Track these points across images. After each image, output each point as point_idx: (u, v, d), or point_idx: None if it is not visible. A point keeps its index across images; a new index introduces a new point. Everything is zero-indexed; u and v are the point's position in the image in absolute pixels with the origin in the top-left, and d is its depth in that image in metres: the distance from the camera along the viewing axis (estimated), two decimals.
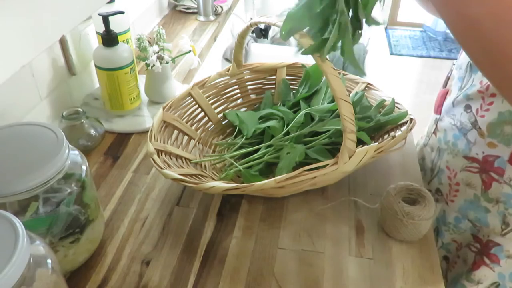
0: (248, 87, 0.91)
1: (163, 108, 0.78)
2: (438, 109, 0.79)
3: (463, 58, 0.73)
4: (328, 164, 0.62)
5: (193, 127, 0.83)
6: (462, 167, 0.72)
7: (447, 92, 0.77)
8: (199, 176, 0.73)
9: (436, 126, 0.80)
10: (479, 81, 0.67)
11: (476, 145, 0.69)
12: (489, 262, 0.71)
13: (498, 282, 0.71)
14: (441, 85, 0.81)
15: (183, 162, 0.76)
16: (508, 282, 0.70)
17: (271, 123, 0.78)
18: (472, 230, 0.74)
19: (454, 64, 0.78)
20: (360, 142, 0.66)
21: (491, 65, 0.46)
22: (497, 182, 0.67)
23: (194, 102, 0.84)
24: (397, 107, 0.77)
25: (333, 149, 0.73)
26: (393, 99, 0.78)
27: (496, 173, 0.67)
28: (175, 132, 0.80)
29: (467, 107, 0.70)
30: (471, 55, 0.48)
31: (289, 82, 0.90)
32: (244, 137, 0.81)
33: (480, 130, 0.67)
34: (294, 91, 0.88)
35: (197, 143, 0.82)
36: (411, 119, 0.72)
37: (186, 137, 0.81)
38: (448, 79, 0.79)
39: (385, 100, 0.79)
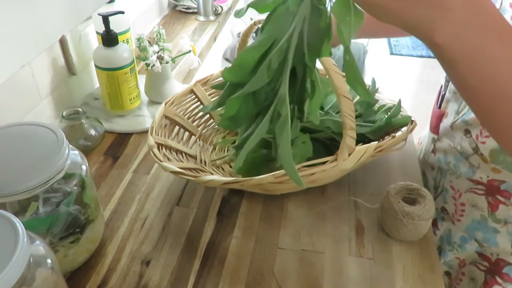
0: None
1: (165, 103, 0.78)
2: (435, 130, 0.77)
3: None
4: (327, 161, 0.62)
5: (195, 124, 0.83)
6: (467, 188, 0.70)
7: (443, 114, 0.75)
8: (199, 171, 0.73)
9: (435, 145, 0.78)
10: None
11: (480, 169, 0.67)
12: (502, 281, 0.70)
13: None
14: (435, 101, 0.79)
15: (183, 157, 0.76)
16: None
17: None
18: (477, 249, 0.73)
19: (447, 81, 0.76)
20: (360, 141, 0.66)
21: None
22: (504, 205, 0.66)
23: (196, 99, 0.84)
24: None
25: (333, 146, 0.73)
26: (399, 102, 0.77)
27: (503, 196, 0.66)
28: (176, 127, 0.80)
29: (467, 132, 0.68)
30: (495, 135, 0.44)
31: None
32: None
33: (482, 156, 0.66)
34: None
35: (198, 139, 0.82)
36: (412, 121, 0.72)
37: (187, 133, 0.81)
38: (442, 98, 0.76)
39: (392, 107, 0.78)
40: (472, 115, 0.66)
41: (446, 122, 0.74)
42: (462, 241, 0.74)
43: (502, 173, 0.65)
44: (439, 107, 0.76)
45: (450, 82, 0.74)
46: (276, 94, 0.47)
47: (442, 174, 0.76)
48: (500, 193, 0.66)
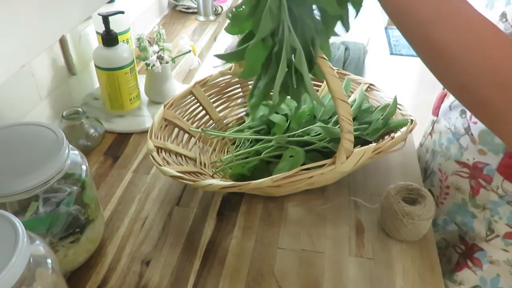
0: (250, 86, 0.91)
1: (164, 106, 0.78)
2: (436, 111, 0.79)
3: None
4: (325, 164, 0.62)
5: (194, 125, 0.83)
6: (453, 171, 0.72)
7: (445, 95, 0.77)
8: (198, 174, 0.73)
9: (433, 127, 0.80)
10: None
11: (468, 151, 0.69)
12: (472, 265, 0.71)
13: (479, 286, 0.71)
14: (441, 86, 0.81)
15: (182, 160, 0.76)
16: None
17: (276, 117, 0.78)
18: (459, 232, 0.74)
19: None
20: (358, 143, 0.66)
21: (462, 91, 0.46)
22: (485, 189, 0.67)
23: (196, 100, 0.84)
24: (398, 108, 0.77)
25: (331, 153, 0.72)
26: (395, 99, 0.77)
27: (485, 180, 0.67)
28: (176, 130, 0.80)
29: (463, 112, 0.70)
30: (441, 79, 0.48)
31: None
32: (249, 121, 0.81)
33: (472, 137, 0.68)
34: None
35: (198, 141, 0.82)
36: (412, 120, 0.72)
37: (186, 135, 0.81)
38: None
39: (389, 104, 0.78)
40: None
41: (446, 103, 0.76)
42: (445, 223, 0.76)
43: (488, 155, 0.66)
44: (444, 89, 0.78)
45: None
46: (278, 36, 0.51)
47: (434, 157, 0.78)
48: (483, 177, 0.67)
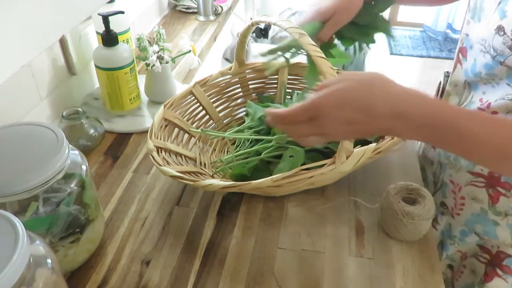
0: (250, 86, 0.91)
1: (164, 106, 0.78)
2: None
3: (458, 75, 0.71)
4: (325, 164, 0.62)
5: (194, 125, 0.83)
6: (467, 181, 0.71)
7: None
8: (198, 174, 0.73)
9: None
10: (478, 98, 0.66)
11: None
12: (502, 273, 0.70)
13: None
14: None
15: (182, 160, 0.76)
16: None
17: None
18: (478, 242, 0.73)
19: (446, 76, 0.76)
20: (358, 143, 0.66)
21: None
22: (505, 197, 0.67)
23: (196, 100, 0.84)
24: None
25: (331, 153, 0.72)
26: None
27: (504, 187, 0.66)
28: (176, 130, 0.80)
29: None
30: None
31: (291, 82, 0.90)
32: (249, 121, 0.81)
33: None
34: (298, 92, 0.88)
35: (198, 141, 0.82)
36: None
37: (186, 135, 0.81)
38: (441, 93, 0.77)
39: None
40: (473, 106, 0.67)
41: None
42: (463, 234, 0.75)
43: None
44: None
45: (450, 76, 0.75)
46: None
47: (442, 168, 0.77)
48: (501, 185, 0.67)
